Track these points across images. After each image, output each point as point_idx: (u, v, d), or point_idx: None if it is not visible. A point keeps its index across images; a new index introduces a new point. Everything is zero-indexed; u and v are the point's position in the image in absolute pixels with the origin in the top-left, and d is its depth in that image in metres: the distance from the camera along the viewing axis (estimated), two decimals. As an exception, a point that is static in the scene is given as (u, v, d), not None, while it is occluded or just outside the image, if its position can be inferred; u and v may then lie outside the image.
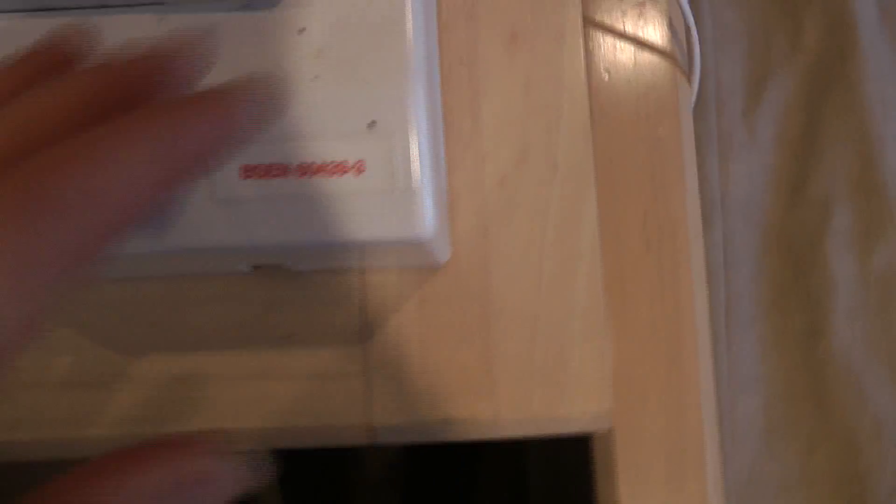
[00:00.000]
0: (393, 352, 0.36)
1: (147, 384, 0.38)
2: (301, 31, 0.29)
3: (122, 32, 0.29)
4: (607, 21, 0.41)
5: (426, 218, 0.28)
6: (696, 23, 0.42)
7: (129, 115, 0.19)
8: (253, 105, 0.20)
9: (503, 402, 0.36)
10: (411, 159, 0.28)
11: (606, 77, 0.41)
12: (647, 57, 0.41)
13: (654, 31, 0.42)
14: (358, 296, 0.36)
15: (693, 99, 0.43)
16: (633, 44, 0.41)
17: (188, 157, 0.19)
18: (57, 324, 0.37)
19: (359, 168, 0.28)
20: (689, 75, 0.42)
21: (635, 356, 0.40)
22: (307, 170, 0.28)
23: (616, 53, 0.41)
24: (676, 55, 0.42)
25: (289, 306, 0.38)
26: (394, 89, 0.28)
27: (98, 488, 0.18)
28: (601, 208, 0.40)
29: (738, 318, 0.56)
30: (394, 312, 0.36)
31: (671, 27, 0.42)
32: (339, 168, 0.28)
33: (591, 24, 0.41)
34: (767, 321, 0.55)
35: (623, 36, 0.41)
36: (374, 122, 0.28)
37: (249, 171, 0.28)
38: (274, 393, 0.38)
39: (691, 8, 0.43)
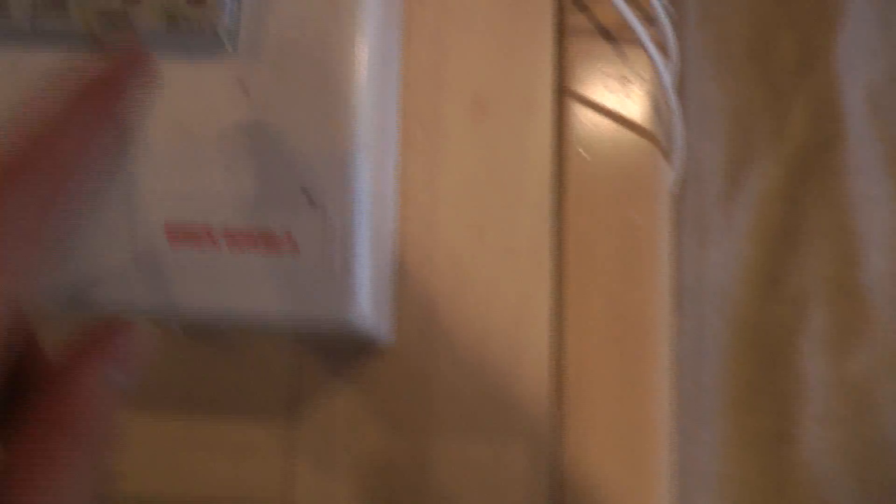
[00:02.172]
0: (319, 433, 0.33)
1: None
2: (243, 87, 0.26)
3: (47, 64, 0.26)
4: (587, 94, 0.38)
5: (361, 302, 0.25)
6: (679, 96, 0.39)
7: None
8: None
9: (432, 500, 0.33)
10: (347, 238, 0.25)
11: (582, 153, 0.38)
12: (627, 135, 0.39)
13: (637, 108, 0.39)
14: (290, 370, 0.33)
15: (673, 183, 0.40)
16: (614, 120, 0.39)
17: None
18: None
19: (289, 241, 0.25)
20: (670, 158, 0.39)
21: (592, 455, 0.37)
22: (233, 236, 0.25)
23: (595, 129, 0.38)
24: (659, 136, 0.39)
25: (217, 371, 0.34)
26: (335, 160, 0.25)
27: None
28: (567, 292, 0.37)
29: (703, 411, 0.52)
30: (325, 391, 0.33)
31: (655, 105, 0.39)
32: (268, 239, 0.25)
33: (569, 95, 0.38)
34: (733, 418, 0.52)
35: (603, 111, 0.38)
36: (309, 194, 0.25)
37: (174, 231, 0.25)
38: (194, 460, 0.35)
39: (677, 79, 0.40)
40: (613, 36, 0.40)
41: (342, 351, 0.32)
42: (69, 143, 0.22)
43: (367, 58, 0.25)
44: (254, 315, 0.26)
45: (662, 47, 0.40)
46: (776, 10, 0.56)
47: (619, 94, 0.39)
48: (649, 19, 0.41)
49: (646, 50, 0.38)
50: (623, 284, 0.38)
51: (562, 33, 0.38)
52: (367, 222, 0.25)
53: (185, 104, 0.26)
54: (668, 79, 0.38)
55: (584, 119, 0.38)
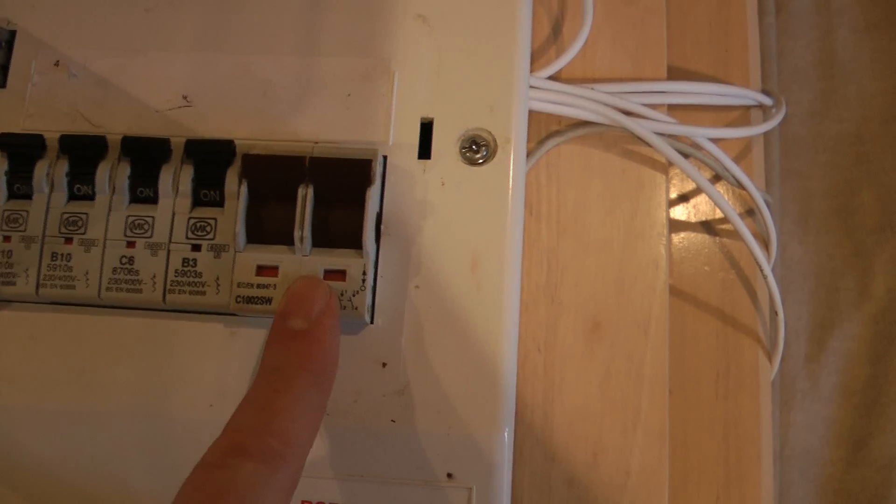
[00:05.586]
0: None
1: None
2: (384, 365, 0.26)
3: (192, 338, 0.27)
4: (692, 292, 0.39)
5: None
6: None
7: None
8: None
9: None
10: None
11: (685, 351, 0.38)
12: (730, 332, 0.39)
13: (740, 306, 0.39)
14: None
15: (772, 378, 0.40)
16: (717, 318, 0.39)
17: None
18: None
19: (428, 512, 0.25)
20: (771, 356, 0.39)
21: None
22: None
23: (698, 326, 0.39)
24: (760, 333, 0.39)
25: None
26: (482, 442, 0.25)
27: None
28: (669, 490, 0.36)
29: (787, 578, 0.51)
30: None
31: (756, 303, 0.40)
32: (407, 512, 0.25)
33: (675, 294, 0.38)
34: (818, 588, 0.51)
35: (707, 308, 0.39)
36: (451, 475, 0.25)
37: (312, 504, 0.26)
38: None
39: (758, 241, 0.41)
40: (714, 228, 0.40)
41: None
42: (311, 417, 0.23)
43: (512, 332, 0.25)
44: None
45: (762, 237, 0.41)
46: (857, 168, 0.56)
47: (722, 294, 0.39)
48: (749, 210, 0.41)
49: (747, 244, 0.38)
50: (727, 482, 0.38)
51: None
52: (507, 495, 0.25)
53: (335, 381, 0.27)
54: (772, 278, 0.39)
55: (688, 316, 0.39)
